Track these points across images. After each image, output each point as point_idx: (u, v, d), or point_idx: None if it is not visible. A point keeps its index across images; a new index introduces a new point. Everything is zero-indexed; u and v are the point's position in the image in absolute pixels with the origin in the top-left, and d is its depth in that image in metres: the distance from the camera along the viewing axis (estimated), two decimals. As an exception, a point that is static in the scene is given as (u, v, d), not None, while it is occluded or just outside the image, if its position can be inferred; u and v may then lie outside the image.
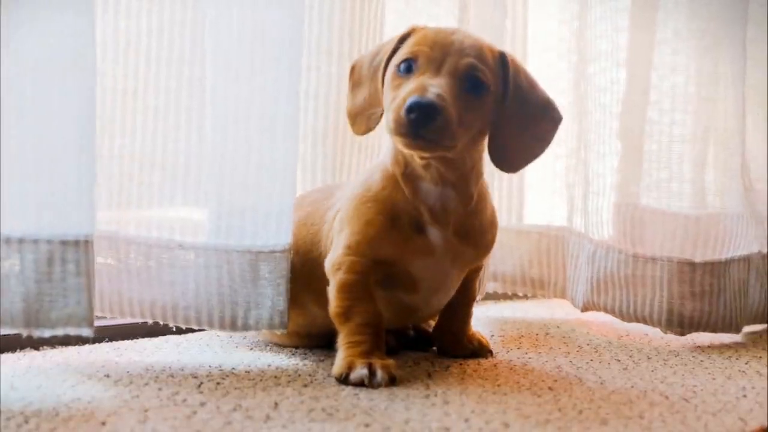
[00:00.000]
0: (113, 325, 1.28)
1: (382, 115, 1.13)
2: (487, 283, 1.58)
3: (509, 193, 1.66)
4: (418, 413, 0.95)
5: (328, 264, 1.15)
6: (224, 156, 1.14)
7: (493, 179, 1.48)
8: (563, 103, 1.55)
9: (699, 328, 1.46)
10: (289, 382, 1.08)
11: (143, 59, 1.16)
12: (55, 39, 0.99)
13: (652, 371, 1.22)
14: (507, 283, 1.68)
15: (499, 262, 1.65)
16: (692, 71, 1.54)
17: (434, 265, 1.14)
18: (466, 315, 1.28)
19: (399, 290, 1.16)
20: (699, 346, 1.43)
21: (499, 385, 1.09)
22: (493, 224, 1.21)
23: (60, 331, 1.00)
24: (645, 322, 1.48)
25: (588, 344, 1.40)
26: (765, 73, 1.64)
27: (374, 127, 1.16)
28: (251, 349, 1.26)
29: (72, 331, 1.00)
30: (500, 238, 1.27)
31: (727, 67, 1.53)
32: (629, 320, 1.49)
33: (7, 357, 1.16)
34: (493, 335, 1.43)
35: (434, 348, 1.30)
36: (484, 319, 1.59)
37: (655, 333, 1.50)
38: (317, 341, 1.26)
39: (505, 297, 1.83)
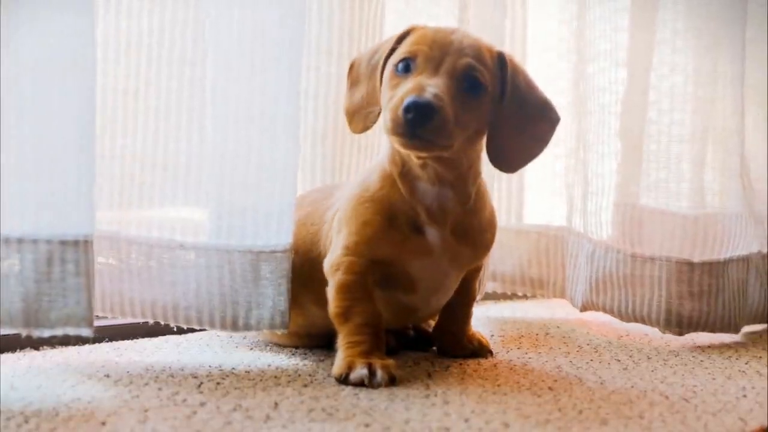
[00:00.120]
0: (113, 325, 1.28)
1: (379, 113, 1.13)
2: (486, 283, 1.58)
3: (509, 193, 1.66)
4: (418, 413, 0.95)
5: (327, 265, 1.15)
6: (225, 156, 1.14)
7: (493, 179, 1.48)
8: (562, 103, 1.55)
9: (698, 328, 1.46)
10: (289, 382, 1.08)
11: (144, 59, 1.16)
12: (55, 39, 0.99)
13: (652, 371, 1.22)
14: (506, 282, 1.68)
15: (499, 261, 1.65)
16: (691, 71, 1.54)
17: (432, 265, 1.14)
18: (466, 315, 1.28)
19: (397, 290, 1.16)
20: (699, 346, 1.43)
21: (499, 385, 1.09)
22: (491, 224, 1.21)
23: (59, 331, 1.00)
24: (644, 321, 1.48)
25: (588, 344, 1.40)
26: (764, 72, 1.65)
27: (371, 126, 1.16)
28: (251, 349, 1.26)
29: (71, 331, 1.00)
30: (499, 237, 1.27)
31: (726, 67, 1.54)
32: (628, 320, 1.49)
33: (7, 357, 1.16)
34: (493, 335, 1.43)
35: (434, 348, 1.30)
36: (484, 319, 1.59)
37: (654, 333, 1.50)
38: (317, 341, 1.26)
39: (505, 297, 1.83)
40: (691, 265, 1.45)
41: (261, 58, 1.13)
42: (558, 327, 1.55)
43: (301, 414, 0.93)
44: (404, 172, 1.13)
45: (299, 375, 1.11)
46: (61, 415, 0.90)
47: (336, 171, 1.40)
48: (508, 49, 1.48)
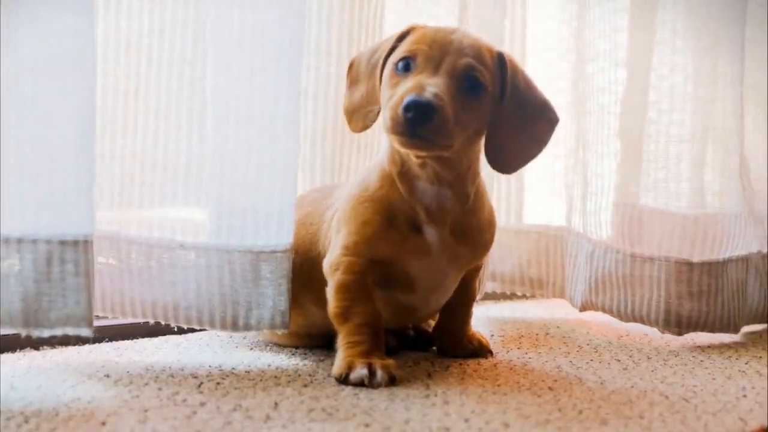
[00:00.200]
0: (113, 325, 1.28)
1: (379, 112, 1.13)
2: (486, 283, 1.58)
3: (508, 193, 1.66)
4: (418, 413, 0.95)
5: (326, 265, 1.15)
6: (225, 156, 1.14)
7: (492, 179, 1.48)
8: (562, 103, 1.56)
9: (697, 328, 1.46)
10: (289, 382, 1.08)
11: (144, 59, 1.16)
12: (55, 39, 0.98)
13: (652, 371, 1.22)
14: (505, 282, 1.68)
15: (498, 261, 1.65)
16: (691, 71, 1.54)
17: (431, 264, 1.14)
18: (466, 315, 1.28)
19: (397, 290, 1.16)
20: (699, 346, 1.43)
21: (499, 385, 1.09)
22: (491, 224, 1.21)
23: (59, 331, 1.00)
24: (643, 321, 1.48)
25: (588, 344, 1.40)
26: (764, 72, 1.65)
27: (371, 125, 1.16)
28: (251, 349, 1.26)
29: (71, 331, 1.00)
30: (499, 237, 1.27)
31: (725, 67, 1.54)
32: (627, 320, 1.49)
33: (7, 357, 1.15)
34: (493, 335, 1.43)
35: (434, 348, 1.30)
36: (484, 319, 1.59)
37: (654, 333, 1.50)
38: (317, 341, 1.26)
39: (505, 297, 1.83)
40: (690, 265, 1.46)
41: (261, 58, 1.13)
42: (558, 327, 1.55)
43: (301, 414, 0.93)
44: (403, 171, 1.13)
45: (299, 375, 1.11)
46: (61, 415, 0.90)
47: (335, 171, 1.40)
48: (507, 49, 1.48)
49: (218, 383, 1.05)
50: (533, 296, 1.75)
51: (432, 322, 1.32)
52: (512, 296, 1.83)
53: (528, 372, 1.18)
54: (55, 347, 1.21)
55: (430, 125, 1.02)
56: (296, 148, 1.17)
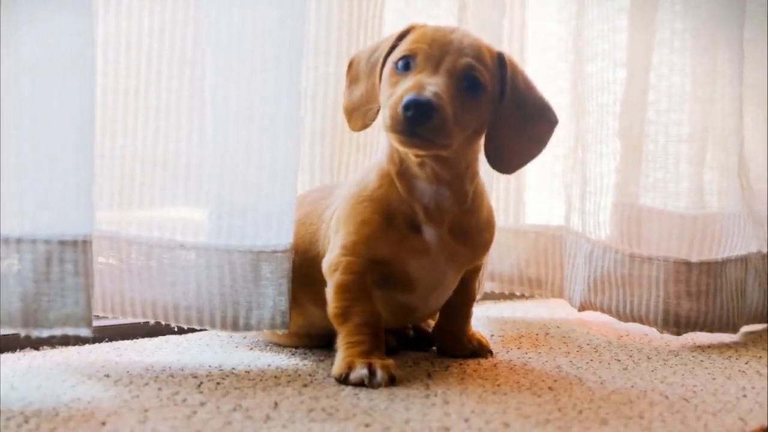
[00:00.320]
0: (113, 325, 1.28)
1: (378, 110, 1.13)
2: (485, 283, 1.58)
3: (507, 193, 1.66)
4: (418, 413, 0.95)
5: (326, 265, 1.15)
6: (225, 156, 1.14)
7: (492, 179, 1.48)
8: (561, 103, 1.56)
9: (695, 328, 1.46)
10: (289, 382, 1.08)
11: (144, 59, 1.16)
12: (55, 39, 0.98)
13: (652, 371, 1.22)
14: (504, 282, 1.68)
15: (497, 261, 1.65)
16: (690, 71, 1.54)
17: (430, 264, 1.14)
18: (466, 315, 1.28)
19: (396, 290, 1.16)
20: (699, 346, 1.43)
21: (499, 385, 1.09)
22: (490, 224, 1.21)
23: (58, 331, 0.99)
24: (641, 321, 1.48)
25: (588, 344, 1.40)
26: (763, 72, 1.65)
27: (370, 123, 1.16)
28: (251, 349, 1.26)
29: (70, 331, 1.00)
30: (498, 237, 1.27)
31: (724, 67, 1.54)
32: (626, 320, 1.49)
33: (7, 357, 1.15)
34: (493, 335, 1.43)
35: (434, 348, 1.30)
36: (484, 319, 1.59)
37: (654, 333, 1.50)
38: (317, 341, 1.26)
39: (504, 297, 1.83)
40: (689, 265, 1.46)
41: (261, 58, 1.13)
42: (558, 327, 1.55)
43: (301, 414, 0.93)
44: (402, 170, 1.13)
45: (299, 375, 1.11)
46: (61, 415, 0.90)
47: (335, 170, 1.40)
48: (506, 49, 1.48)
49: (218, 383, 1.05)
50: (532, 296, 1.76)
51: (432, 322, 1.32)
52: (512, 296, 1.83)
53: (528, 372, 1.18)
54: (55, 347, 1.21)
55: (430, 124, 1.02)
56: (296, 148, 1.17)
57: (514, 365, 1.22)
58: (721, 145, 1.56)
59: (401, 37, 1.13)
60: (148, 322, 1.17)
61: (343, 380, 1.07)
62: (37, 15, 0.97)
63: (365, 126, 1.17)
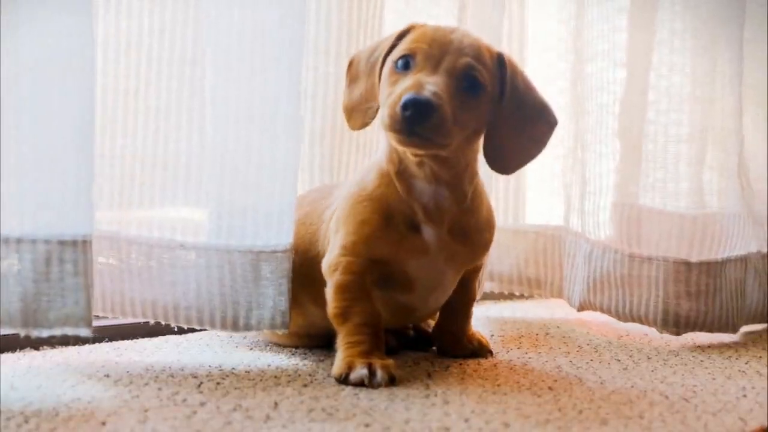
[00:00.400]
0: (113, 325, 1.28)
1: (378, 109, 1.13)
2: (484, 283, 1.58)
3: (506, 192, 1.66)
4: (418, 413, 0.95)
5: (325, 265, 1.15)
6: (225, 156, 1.14)
7: (491, 179, 1.48)
8: (561, 103, 1.56)
9: (695, 327, 1.46)
10: (289, 382, 1.08)
11: (144, 59, 1.16)
12: (55, 39, 0.98)
13: (652, 371, 1.22)
14: (503, 282, 1.68)
15: (496, 261, 1.65)
16: (689, 71, 1.54)
17: (429, 263, 1.14)
18: (466, 315, 1.28)
19: (395, 290, 1.16)
20: (699, 346, 1.43)
21: (499, 385, 1.09)
22: (489, 224, 1.21)
23: (58, 332, 0.99)
24: (641, 321, 1.48)
25: (588, 344, 1.40)
26: (763, 72, 1.65)
27: (370, 122, 1.16)
28: (251, 349, 1.26)
29: (70, 331, 1.00)
30: (497, 237, 1.27)
31: (724, 67, 1.54)
32: (625, 320, 1.49)
33: (7, 357, 1.15)
34: (493, 335, 1.43)
35: (434, 348, 1.30)
36: (484, 319, 1.59)
37: (654, 333, 1.50)
38: (317, 341, 1.26)
39: (504, 297, 1.83)
40: (688, 265, 1.46)
41: (261, 58, 1.13)
42: (558, 327, 1.55)
43: (301, 414, 0.93)
44: (401, 170, 1.13)
45: (299, 375, 1.11)
46: (61, 415, 0.90)
47: (334, 170, 1.40)
48: (506, 48, 1.48)
49: (218, 383, 1.05)
50: (531, 296, 1.76)
51: (432, 322, 1.32)
52: (512, 296, 1.83)
53: (528, 372, 1.18)
54: (55, 347, 1.21)
55: (429, 123, 1.02)
56: (296, 148, 1.17)
57: (514, 365, 1.22)
58: (721, 145, 1.56)
59: (401, 36, 1.13)
60: (148, 322, 1.17)
61: (343, 380, 1.07)
62: (37, 15, 0.97)
63: (365, 125, 1.17)
